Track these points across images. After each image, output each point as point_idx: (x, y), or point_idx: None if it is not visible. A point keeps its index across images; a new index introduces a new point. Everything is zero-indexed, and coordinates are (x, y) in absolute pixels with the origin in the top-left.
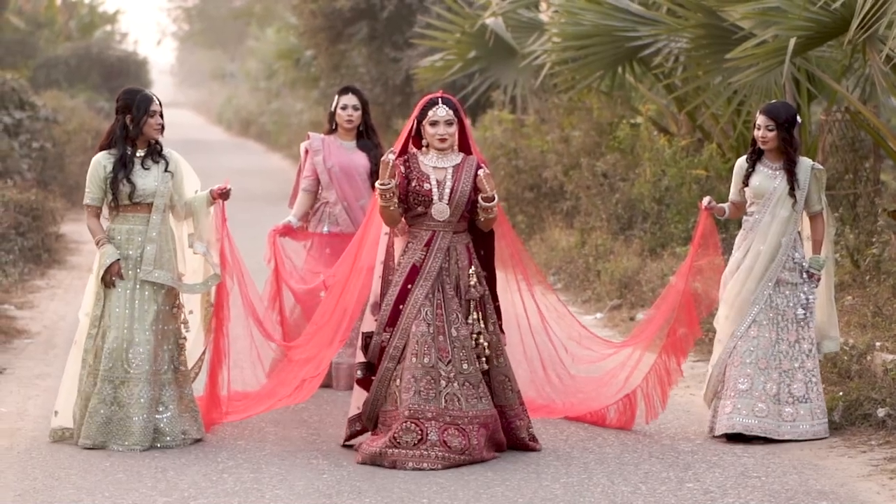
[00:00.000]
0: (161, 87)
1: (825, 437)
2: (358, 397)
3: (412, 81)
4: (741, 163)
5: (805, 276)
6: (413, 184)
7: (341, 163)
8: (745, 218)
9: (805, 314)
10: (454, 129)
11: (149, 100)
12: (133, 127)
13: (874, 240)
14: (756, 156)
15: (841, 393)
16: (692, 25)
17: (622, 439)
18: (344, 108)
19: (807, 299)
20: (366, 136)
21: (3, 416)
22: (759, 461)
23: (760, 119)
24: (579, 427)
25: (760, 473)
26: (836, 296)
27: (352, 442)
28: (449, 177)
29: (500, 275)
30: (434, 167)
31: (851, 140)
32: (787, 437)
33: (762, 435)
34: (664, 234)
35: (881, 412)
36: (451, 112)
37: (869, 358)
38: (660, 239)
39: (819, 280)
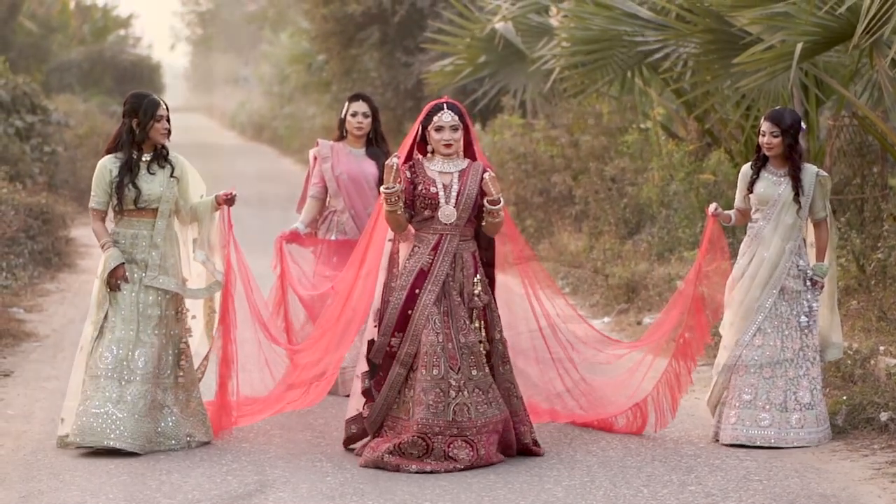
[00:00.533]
0: (175, 91)
1: (828, 442)
2: (357, 399)
3: (423, 86)
4: (745, 170)
5: (808, 283)
6: (419, 188)
7: (350, 170)
8: (749, 225)
9: (808, 322)
10: (459, 134)
11: (155, 104)
12: (139, 131)
13: (880, 244)
14: (761, 162)
15: (844, 397)
16: (700, 30)
17: (625, 443)
18: (354, 115)
19: (810, 307)
20: (375, 144)
21: (10, 419)
22: (762, 465)
23: (765, 125)
24: (583, 430)
25: (762, 477)
26: (842, 300)
27: (353, 445)
28: (455, 181)
29: (510, 279)
30: (440, 172)
31: (859, 145)
32: (794, 444)
33: (766, 445)
34: (672, 239)
35: (884, 416)
36: (456, 117)
37: (873, 362)
38: (668, 243)
39: (822, 287)
